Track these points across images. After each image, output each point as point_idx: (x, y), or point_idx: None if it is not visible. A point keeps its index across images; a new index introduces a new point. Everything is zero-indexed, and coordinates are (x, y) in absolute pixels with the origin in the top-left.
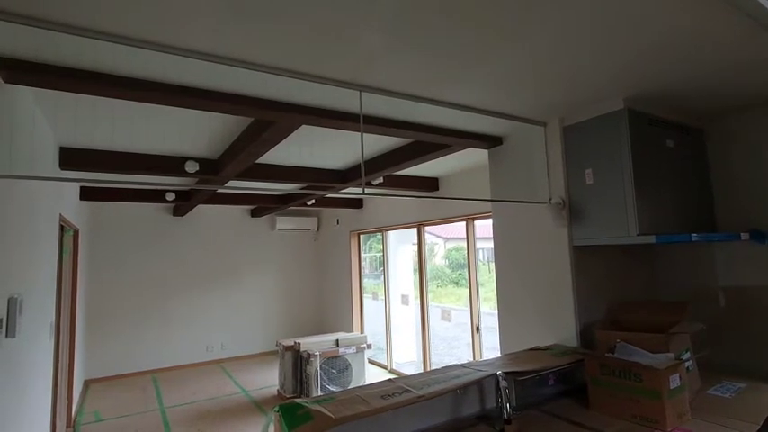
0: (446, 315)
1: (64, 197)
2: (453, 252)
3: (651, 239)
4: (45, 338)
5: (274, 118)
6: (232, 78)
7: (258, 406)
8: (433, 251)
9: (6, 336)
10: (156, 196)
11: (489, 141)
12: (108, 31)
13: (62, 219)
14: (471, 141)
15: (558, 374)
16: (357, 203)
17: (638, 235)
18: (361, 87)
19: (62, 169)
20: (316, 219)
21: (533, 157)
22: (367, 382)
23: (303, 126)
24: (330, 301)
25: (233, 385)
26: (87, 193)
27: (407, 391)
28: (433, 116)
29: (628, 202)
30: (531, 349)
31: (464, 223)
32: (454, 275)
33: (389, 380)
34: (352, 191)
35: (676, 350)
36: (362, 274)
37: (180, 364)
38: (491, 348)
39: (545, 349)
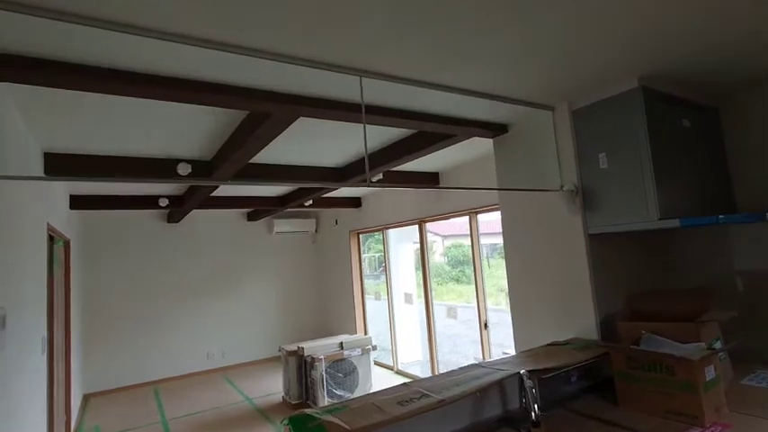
0: (452, 313)
1: (52, 206)
2: (452, 249)
3: (675, 223)
4: (37, 354)
5: (269, 110)
6: (221, 67)
7: (263, 414)
8: (431, 249)
9: None
10: (148, 202)
11: (494, 129)
12: (82, 14)
13: (51, 228)
14: (476, 130)
15: (582, 370)
16: (356, 203)
17: (659, 219)
18: (362, 73)
19: (48, 176)
20: (314, 220)
21: (541, 143)
22: (374, 385)
23: (299, 122)
24: (332, 303)
25: (236, 394)
26: (77, 202)
27: (425, 395)
28: (436, 104)
29: (647, 185)
30: (549, 345)
31: (466, 218)
32: (454, 272)
33: (404, 384)
34: (349, 191)
35: (707, 339)
36: (364, 275)
37: (181, 374)
38: (498, 345)
39: (564, 344)
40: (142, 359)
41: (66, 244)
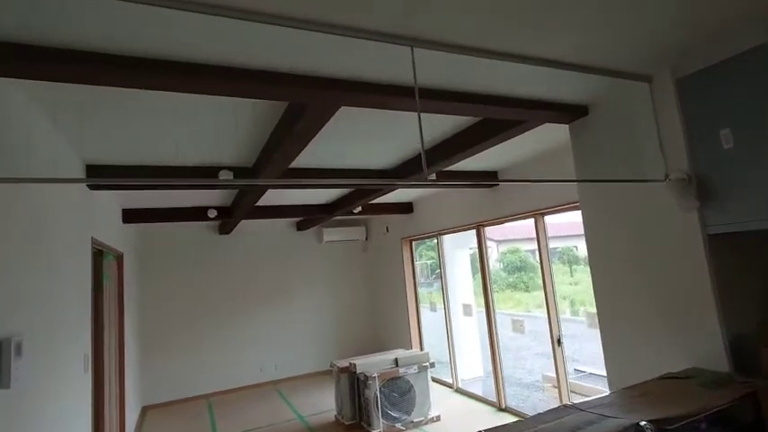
0: (518, 326)
1: (98, 220)
2: (508, 255)
3: None
4: (78, 372)
5: (305, 98)
6: (246, 45)
7: None
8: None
9: (0, 387)
10: (198, 214)
11: (571, 112)
12: None
13: (97, 242)
14: (548, 114)
15: (714, 415)
16: (407, 208)
17: None
18: (414, 42)
19: (91, 189)
20: (363, 228)
21: (635, 124)
22: (433, 406)
23: (340, 119)
24: (384, 315)
25: (288, 410)
26: (130, 216)
27: None
28: (501, 82)
29: None
30: (662, 378)
31: (531, 221)
32: (510, 279)
33: None
34: (399, 195)
35: None
36: (417, 283)
37: (234, 386)
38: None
39: (684, 378)
40: (197, 371)
41: (119, 258)
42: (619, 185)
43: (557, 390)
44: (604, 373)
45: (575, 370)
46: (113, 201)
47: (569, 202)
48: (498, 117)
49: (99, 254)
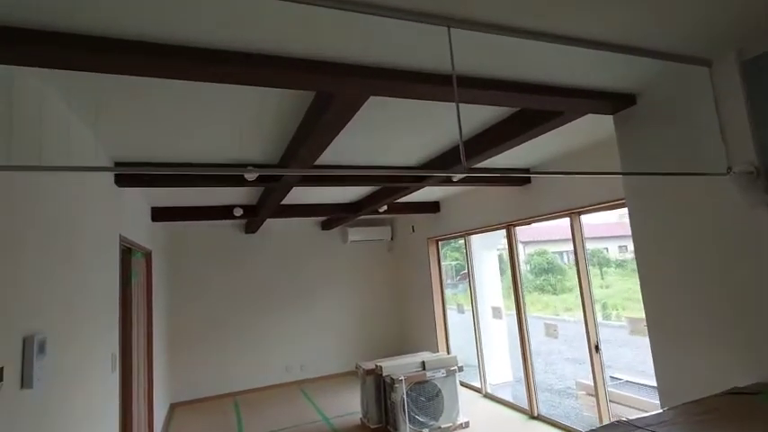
0: (551, 330)
1: (127, 218)
2: (535, 256)
3: None
4: (105, 372)
5: (333, 87)
6: (268, 29)
7: None
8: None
9: (22, 387)
10: (224, 213)
11: (616, 102)
12: None
13: (125, 240)
14: (591, 104)
15: None
16: (434, 207)
17: None
18: (450, 21)
19: (120, 186)
20: (389, 227)
21: (691, 113)
22: (461, 412)
23: (366, 114)
24: (410, 316)
25: (313, 411)
26: (158, 214)
27: None
28: (541, 69)
29: None
30: (728, 393)
31: (562, 221)
32: (538, 282)
33: None
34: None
35: None
36: (444, 284)
37: (260, 385)
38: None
39: (754, 393)
40: (223, 370)
41: (147, 255)
42: (672, 180)
43: (591, 398)
44: (643, 381)
45: (610, 377)
46: (142, 199)
47: (606, 201)
48: (537, 107)
49: (127, 251)
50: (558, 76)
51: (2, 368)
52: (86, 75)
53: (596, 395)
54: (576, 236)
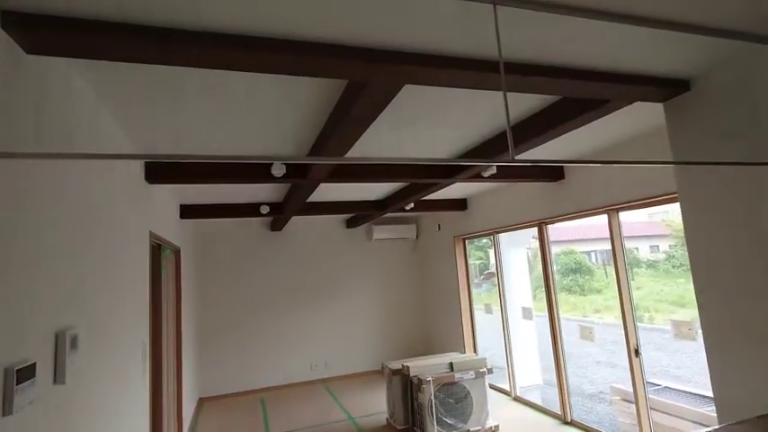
0: (587, 333)
1: (157, 215)
2: (562, 256)
3: None
4: (137, 361)
5: (364, 75)
6: (302, 16)
7: None
8: (536, 257)
9: (54, 382)
10: (251, 210)
11: (668, 88)
12: None
13: (155, 236)
14: (641, 90)
15: None
16: (461, 205)
17: None
18: None
19: (150, 183)
20: (414, 226)
21: (755, 99)
22: (491, 414)
23: (398, 105)
24: (436, 316)
25: (339, 410)
26: (187, 212)
27: None
28: (587, 53)
29: None
30: None
31: (597, 219)
32: (565, 282)
33: None
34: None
35: None
36: (472, 284)
37: (286, 383)
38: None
39: None
40: (250, 366)
41: (177, 252)
42: (732, 172)
43: (627, 404)
44: (684, 388)
45: (647, 382)
46: (170, 196)
47: (646, 198)
48: (583, 95)
49: (157, 248)
50: (606, 62)
51: (34, 364)
52: (117, 66)
53: (636, 402)
54: (615, 234)
